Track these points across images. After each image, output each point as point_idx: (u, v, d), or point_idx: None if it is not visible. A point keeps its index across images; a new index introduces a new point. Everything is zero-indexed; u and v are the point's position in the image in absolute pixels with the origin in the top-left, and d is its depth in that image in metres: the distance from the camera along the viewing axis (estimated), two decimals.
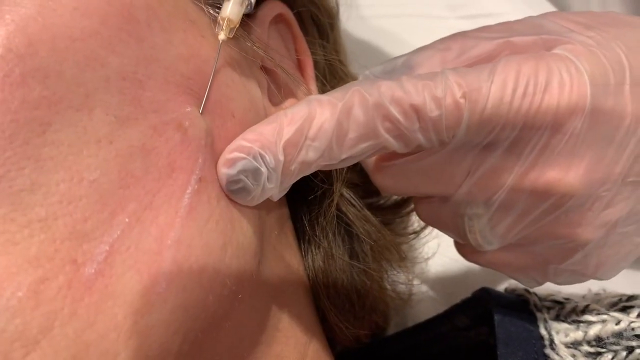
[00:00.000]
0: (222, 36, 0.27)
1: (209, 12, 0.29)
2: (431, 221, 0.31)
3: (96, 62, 0.24)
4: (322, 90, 0.35)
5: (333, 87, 0.33)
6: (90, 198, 0.23)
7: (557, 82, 0.25)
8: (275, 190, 0.27)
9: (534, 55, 0.26)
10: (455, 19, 0.50)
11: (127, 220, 0.23)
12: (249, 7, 0.28)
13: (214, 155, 0.27)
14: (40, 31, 0.23)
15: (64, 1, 0.24)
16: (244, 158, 0.26)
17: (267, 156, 0.26)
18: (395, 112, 0.25)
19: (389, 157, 0.30)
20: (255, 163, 0.26)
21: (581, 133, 0.25)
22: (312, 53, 0.35)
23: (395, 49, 0.49)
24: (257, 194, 0.26)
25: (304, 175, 0.27)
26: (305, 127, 0.26)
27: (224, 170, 0.26)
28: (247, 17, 0.30)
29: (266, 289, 0.30)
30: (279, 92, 0.32)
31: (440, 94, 0.25)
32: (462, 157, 0.27)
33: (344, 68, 0.40)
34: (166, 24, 0.26)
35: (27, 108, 0.22)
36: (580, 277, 0.30)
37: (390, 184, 0.31)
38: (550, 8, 0.51)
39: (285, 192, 0.28)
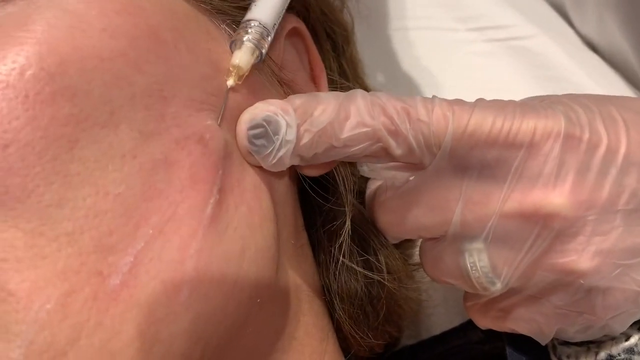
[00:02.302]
0: (230, 82, 0.28)
1: (228, 32, 0.29)
2: (436, 269, 0.32)
3: (123, 81, 0.25)
4: None
5: None
6: (116, 211, 0.24)
7: (534, 113, 0.27)
8: (290, 148, 0.28)
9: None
10: (465, 32, 0.50)
11: (150, 231, 0.24)
12: (259, 57, 0.29)
13: (232, 166, 0.27)
14: (70, 51, 0.24)
15: (92, 23, 0.25)
16: (266, 112, 0.28)
17: (285, 115, 0.28)
18: (390, 109, 0.27)
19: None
20: (276, 117, 0.27)
21: (560, 156, 0.27)
22: (326, 66, 0.35)
23: (407, 62, 0.50)
24: (275, 147, 0.28)
25: (310, 153, 0.28)
26: (312, 105, 0.28)
27: (247, 117, 0.28)
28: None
29: (283, 297, 0.31)
30: None
31: (429, 104, 0.28)
32: (452, 181, 0.28)
33: (359, 81, 0.41)
34: (191, 44, 0.27)
35: (56, 125, 0.23)
36: (590, 323, 0.29)
37: (392, 219, 0.32)
38: (557, 19, 0.51)
39: (295, 163, 0.29)
